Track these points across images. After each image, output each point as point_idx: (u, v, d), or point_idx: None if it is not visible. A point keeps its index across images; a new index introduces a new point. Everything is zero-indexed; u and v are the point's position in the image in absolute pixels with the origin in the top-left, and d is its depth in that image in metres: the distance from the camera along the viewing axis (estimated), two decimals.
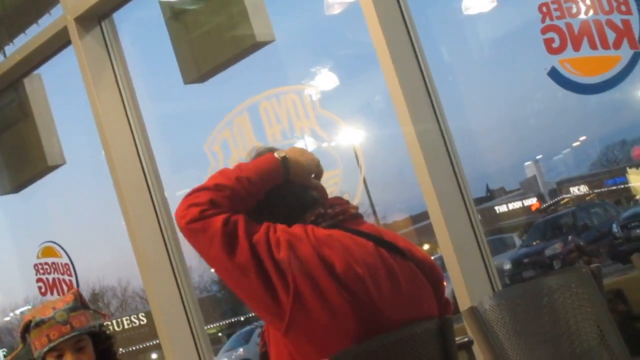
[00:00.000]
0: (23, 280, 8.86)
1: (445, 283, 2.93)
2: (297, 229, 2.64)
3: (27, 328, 3.48)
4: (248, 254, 2.56)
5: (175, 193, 6.99)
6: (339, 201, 2.80)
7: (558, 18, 4.84)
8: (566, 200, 30.42)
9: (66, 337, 3.40)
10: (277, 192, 2.74)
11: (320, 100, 5.88)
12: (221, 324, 38.36)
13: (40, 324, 3.44)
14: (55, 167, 7.79)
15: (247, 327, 27.81)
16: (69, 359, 3.41)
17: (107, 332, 3.56)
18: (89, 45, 6.60)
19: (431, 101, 5.14)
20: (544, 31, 4.89)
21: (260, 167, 2.71)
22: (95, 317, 3.55)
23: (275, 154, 2.74)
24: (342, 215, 2.74)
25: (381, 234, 2.74)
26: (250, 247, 2.57)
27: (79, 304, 3.51)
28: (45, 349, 3.41)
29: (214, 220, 2.60)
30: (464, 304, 4.74)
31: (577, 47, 4.82)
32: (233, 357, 24.40)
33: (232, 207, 2.63)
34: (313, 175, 2.83)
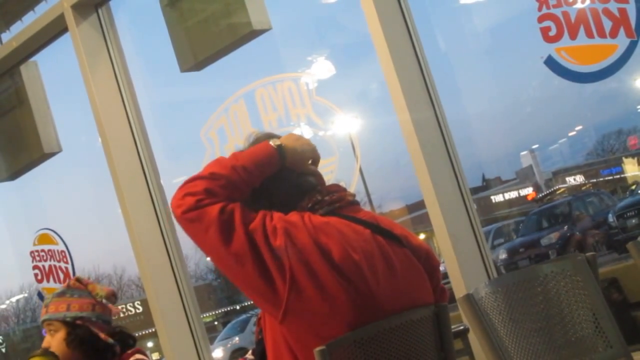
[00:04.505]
0: (19, 267, 8.86)
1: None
2: (293, 216, 2.64)
3: None
4: (245, 242, 2.55)
5: (172, 180, 7.01)
6: (336, 188, 2.80)
7: (554, 6, 4.84)
8: (562, 189, 30.47)
9: (41, 319, 3.45)
10: (274, 179, 2.73)
11: (316, 88, 5.87)
12: (217, 312, 38.42)
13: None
14: (51, 155, 7.78)
15: (243, 316, 27.87)
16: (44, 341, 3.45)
17: (84, 325, 3.41)
18: (85, 33, 6.59)
19: (428, 90, 5.13)
20: (540, 20, 4.89)
21: (256, 156, 2.69)
22: (94, 306, 3.48)
23: (271, 142, 2.72)
24: (339, 203, 2.74)
25: (378, 221, 2.73)
26: (246, 235, 2.56)
27: (69, 290, 3.48)
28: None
29: (210, 209, 2.58)
30: (459, 291, 4.74)
31: (573, 36, 4.82)
32: (228, 345, 24.42)
33: (228, 196, 2.61)
34: (310, 161, 2.83)
